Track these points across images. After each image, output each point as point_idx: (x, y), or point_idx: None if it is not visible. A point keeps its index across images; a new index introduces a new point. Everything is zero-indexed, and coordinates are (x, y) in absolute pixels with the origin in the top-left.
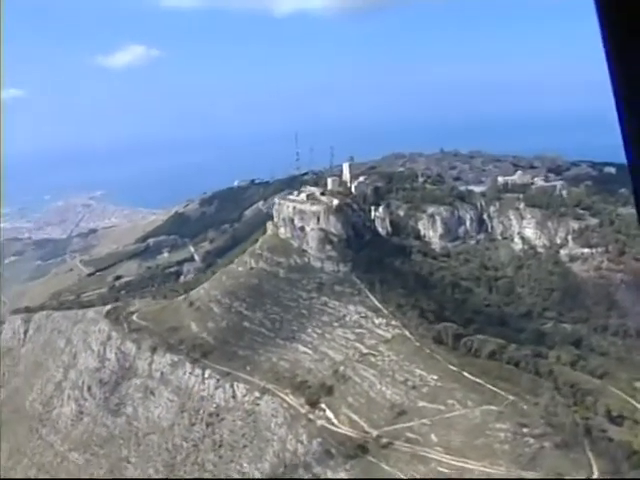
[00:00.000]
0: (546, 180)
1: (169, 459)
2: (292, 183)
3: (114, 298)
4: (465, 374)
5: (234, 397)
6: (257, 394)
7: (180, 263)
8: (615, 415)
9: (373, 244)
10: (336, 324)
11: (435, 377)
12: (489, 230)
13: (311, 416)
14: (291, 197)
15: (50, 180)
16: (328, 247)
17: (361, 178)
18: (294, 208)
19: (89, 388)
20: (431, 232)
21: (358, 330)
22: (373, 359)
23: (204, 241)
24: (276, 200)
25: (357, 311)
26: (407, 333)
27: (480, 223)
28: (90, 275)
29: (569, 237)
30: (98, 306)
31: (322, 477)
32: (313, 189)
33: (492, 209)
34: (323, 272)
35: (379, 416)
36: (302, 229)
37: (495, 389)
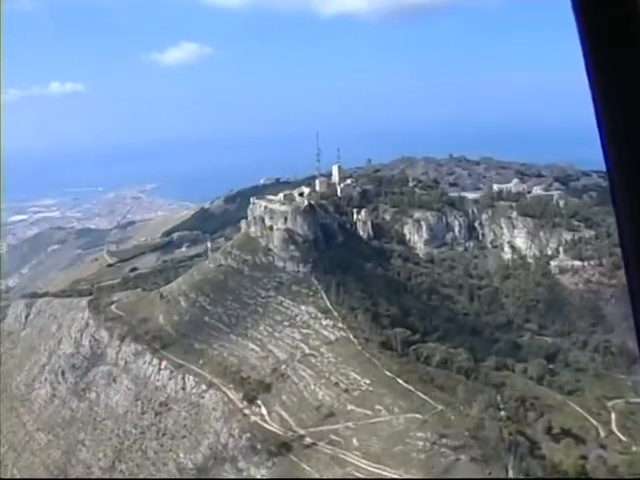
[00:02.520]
0: (546, 189)
1: (118, 444)
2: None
3: (125, 289)
4: (399, 381)
5: (184, 389)
6: (204, 387)
7: (192, 258)
8: (557, 432)
9: (346, 246)
10: (286, 323)
11: (368, 382)
12: (480, 238)
13: (247, 411)
14: (269, 197)
15: (104, 172)
16: (292, 247)
17: (348, 181)
18: (265, 207)
19: (63, 372)
20: (416, 237)
21: (305, 330)
22: (313, 360)
23: (221, 237)
24: (251, 199)
25: (308, 312)
26: (351, 336)
27: (470, 230)
28: (109, 266)
29: (560, 248)
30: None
31: (244, 472)
32: (305, 189)
33: (484, 217)
34: (284, 272)
35: (308, 416)
36: (270, 228)
37: (426, 398)
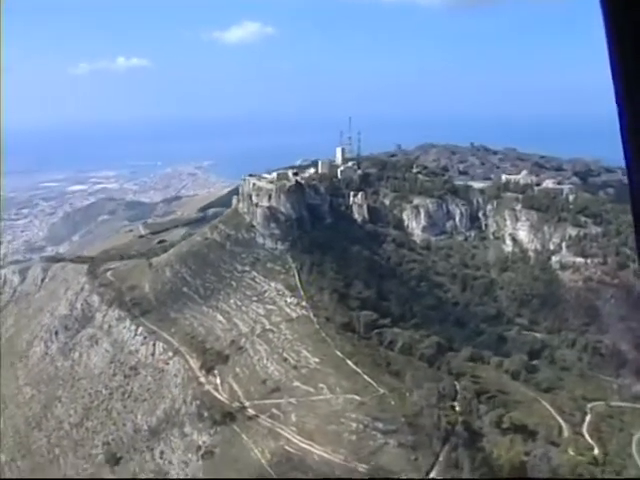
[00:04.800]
0: (559, 183)
1: (88, 403)
2: None
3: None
4: (348, 362)
5: (153, 354)
6: (170, 354)
7: None
8: (507, 427)
9: (334, 228)
10: (255, 298)
11: (317, 360)
12: (482, 228)
13: (202, 380)
14: (264, 175)
15: (164, 147)
16: (273, 225)
17: (349, 163)
18: (253, 185)
19: (56, 332)
20: (414, 223)
21: (270, 306)
22: (271, 335)
23: None
24: (243, 176)
25: (276, 288)
26: (311, 315)
27: (473, 220)
28: (141, 237)
29: (563, 244)
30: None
31: (189, 437)
32: (312, 170)
33: (489, 207)
34: (263, 248)
35: (255, 389)
36: (256, 205)
37: (370, 381)
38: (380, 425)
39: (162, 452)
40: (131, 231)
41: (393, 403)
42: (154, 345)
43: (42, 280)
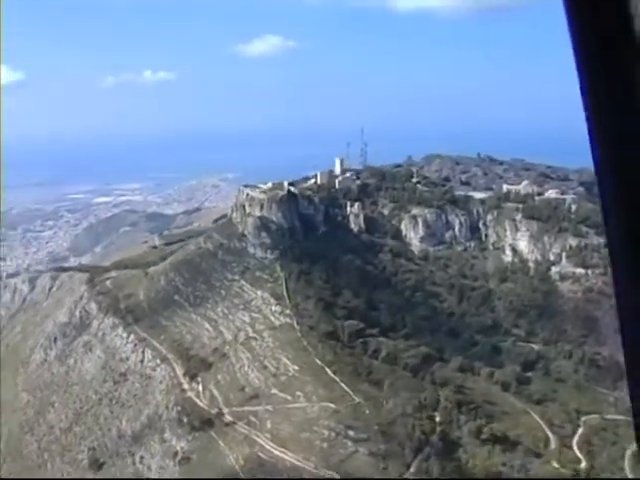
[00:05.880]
0: (562, 193)
1: (78, 408)
2: None
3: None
4: (327, 370)
5: (142, 361)
6: (158, 361)
7: None
8: (486, 438)
9: (328, 238)
10: (241, 307)
11: (297, 368)
12: (482, 239)
13: (186, 387)
14: (259, 185)
15: (188, 159)
16: (264, 234)
17: (348, 174)
18: (247, 195)
19: (55, 339)
20: (412, 234)
21: (255, 315)
22: (254, 343)
23: None
24: (239, 187)
25: (262, 297)
26: (294, 323)
27: (473, 230)
28: (154, 248)
29: (563, 254)
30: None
31: (167, 442)
32: (312, 181)
33: (489, 217)
34: (253, 257)
35: (235, 396)
36: (249, 215)
37: (347, 389)
38: (352, 433)
39: (142, 457)
40: (146, 242)
41: (368, 412)
42: (143, 352)
43: (50, 289)
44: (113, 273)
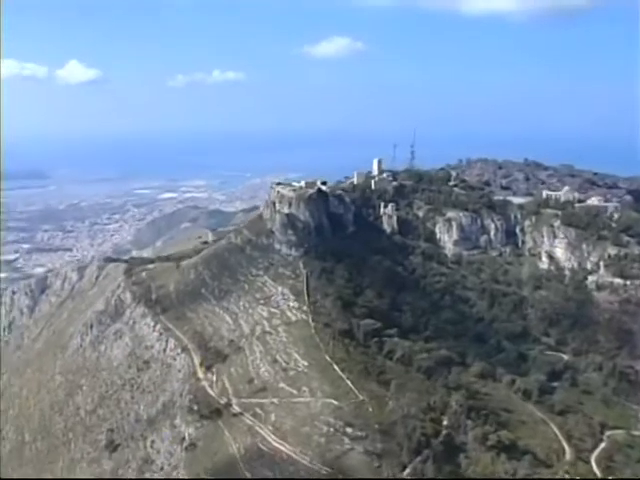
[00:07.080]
0: (605, 200)
1: (103, 392)
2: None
3: None
4: (335, 367)
5: (165, 350)
6: (179, 351)
7: None
8: (491, 445)
9: (357, 237)
10: (262, 301)
11: (306, 364)
12: (518, 244)
13: (201, 376)
14: (293, 183)
15: (254, 159)
16: (290, 231)
17: (384, 175)
18: (278, 192)
19: (92, 326)
20: (446, 237)
21: (274, 310)
22: (268, 337)
23: None
24: (271, 184)
25: (282, 293)
26: (310, 320)
27: (509, 235)
28: (205, 243)
29: (601, 263)
30: None
31: (177, 428)
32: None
33: (527, 223)
34: (278, 254)
35: (244, 388)
36: (278, 212)
37: (352, 387)
38: (350, 430)
39: (153, 442)
40: (200, 237)
41: (370, 410)
42: (167, 342)
43: (97, 278)
44: (150, 265)
